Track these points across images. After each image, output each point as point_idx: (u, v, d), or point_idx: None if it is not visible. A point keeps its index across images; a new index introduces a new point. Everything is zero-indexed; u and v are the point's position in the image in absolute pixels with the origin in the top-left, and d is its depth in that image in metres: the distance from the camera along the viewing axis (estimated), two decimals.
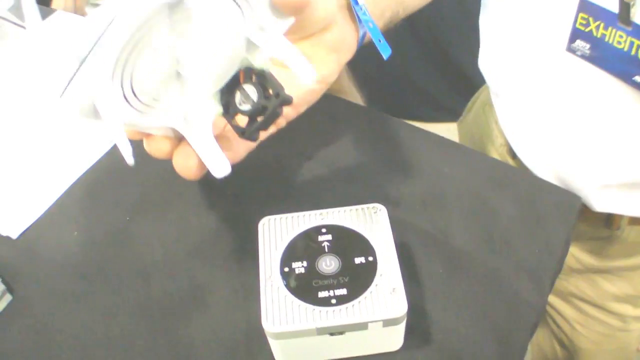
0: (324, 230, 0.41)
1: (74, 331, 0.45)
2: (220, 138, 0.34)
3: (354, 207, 0.43)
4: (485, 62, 0.67)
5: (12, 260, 0.50)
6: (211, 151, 0.34)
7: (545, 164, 0.62)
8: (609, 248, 0.67)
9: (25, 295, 0.48)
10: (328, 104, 0.58)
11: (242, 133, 0.35)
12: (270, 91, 0.33)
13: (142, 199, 0.53)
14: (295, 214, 0.43)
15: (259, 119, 0.34)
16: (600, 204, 0.61)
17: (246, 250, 0.47)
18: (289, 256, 0.40)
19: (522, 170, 0.53)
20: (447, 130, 0.56)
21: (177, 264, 0.48)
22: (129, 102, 0.30)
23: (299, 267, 0.39)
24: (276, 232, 0.42)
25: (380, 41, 0.44)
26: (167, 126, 0.34)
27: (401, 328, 0.40)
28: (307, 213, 0.43)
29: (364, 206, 0.43)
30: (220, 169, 0.34)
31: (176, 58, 0.31)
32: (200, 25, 0.31)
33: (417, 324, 0.43)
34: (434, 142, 0.55)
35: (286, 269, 0.39)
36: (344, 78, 1.13)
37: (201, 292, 0.46)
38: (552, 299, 0.77)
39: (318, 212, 0.42)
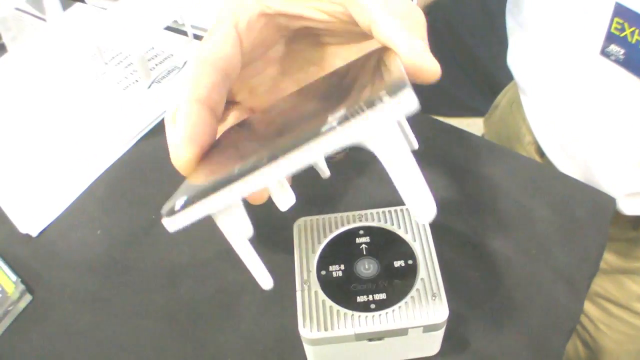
0: (361, 231, 0.40)
1: (97, 335, 0.44)
2: None
3: (392, 208, 0.41)
4: (514, 59, 0.65)
5: (32, 260, 0.49)
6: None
7: (573, 166, 0.61)
8: (636, 249, 0.66)
9: (45, 297, 0.46)
10: None
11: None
12: None
13: (167, 197, 0.51)
14: (332, 215, 0.41)
15: None
16: (628, 209, 0.60)
17: (278, 253, 0.46)
18: (326, 259, 0.39)
19: (555, 170, 0.51)
20: (469, 125, 0.54)
21: (205, 266, 0.47)
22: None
23: (337, 270, 0.38)
24: (312, 233, 0.40)
25: None
26: None
27: (440, 333, 0.38)
28: (344, 214, 0.41)
29: (403, 207, 0.41)
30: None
31: None
32: None
33: (453, 329, 0.41)
34: (467, 140, 0.54)
35: (323, 272, 0.38)
36: None
37: (231, 296, 0.45)
38: None
39: (356, 213, 0.41)
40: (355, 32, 0.32)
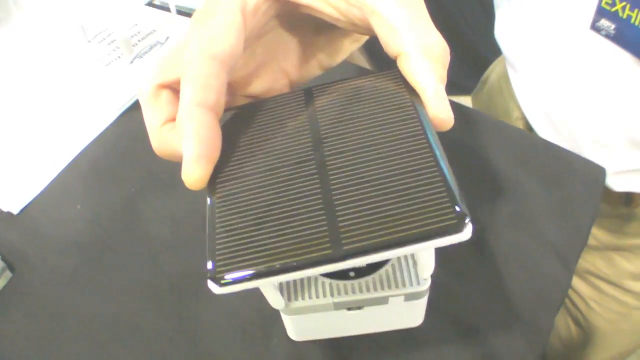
0: None
1: (78, 312, 0.42)
2: None
3: None
4: (502, 33, 0.63)
5: (14, 237, 0.47)
6: None
7: (562, 142, 0.59)
8: (627, 226, 0.64)
9: (26, 274, 0.45)
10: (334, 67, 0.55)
11: None
12: None
13: (149, 171, 0.50)
14: None
15: None
16: (618, 185, 0.58)
17: None
18: None
19: (543, 140, 0.50)
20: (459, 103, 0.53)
21: (187, 239, 0.45)
22: None
23: None
24: None
25: None
26: None
27: (423, 303, 0.36)
28: None
29: None
30: None
31: None
32: None
33: (438, 301, 0.40)
34: (455, 111, 0.52)
35: None
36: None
37: None
38: None
39: None
40: (358, 30, 0.30)
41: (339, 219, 0.25)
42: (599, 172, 0.47)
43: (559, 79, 0.56)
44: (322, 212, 0.26)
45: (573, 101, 0.56)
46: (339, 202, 0.26)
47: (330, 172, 0.27)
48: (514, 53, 0.62)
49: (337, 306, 0.34)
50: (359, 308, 0.35)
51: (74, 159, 0.52)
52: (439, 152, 0.27)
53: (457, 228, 0.24)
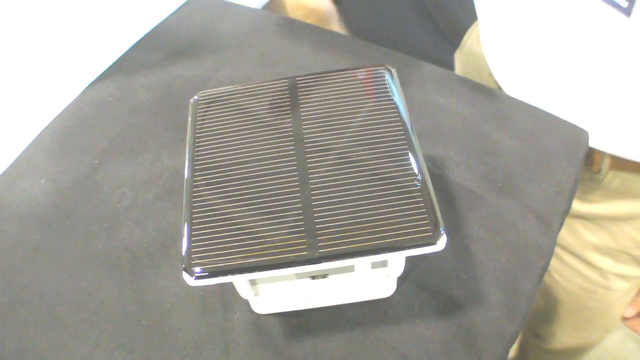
0: None
1: (38, 286, 0.36)
2: None
3: None
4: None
5: None
6: None
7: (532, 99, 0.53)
8: (589, 193, 0.58)
9: None
10: (313, 34, 0.49)
11: None
12: None
13: (113, 142, 0.44)
14: None
15: None
16: None
17: None
18: None
19: (523, 102, 0.44)
20: None
21: (147, 208, 0.39)
22: None
23: None
24: None
25: None
26: None
27: (392, 271, 0.31)
28: None
29: None
30: None
31: None
32: None
33: (410, 268, 0.34)
34: (428, 72, 0.46)
35: None
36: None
37: (172, 238, 0.37)
38: None
39: None
40: None
41: (317, 220, 0.24)
42: (581, 135, 0.42)
43: (528, 35, 0.50)
44: (300, 211, 0.24)
45: (538, 56, 0.49)
46: (318, 202, 0.25)
47: (310, 171, 0.26)
48: (485, 11, 0.55)
49: (300, 275, 0.29)
50: (324, 276, 0.29)
51: (40, 133, 0.46)
52: (420, 159, 0.26)
53: (432, 240, 0.24)
